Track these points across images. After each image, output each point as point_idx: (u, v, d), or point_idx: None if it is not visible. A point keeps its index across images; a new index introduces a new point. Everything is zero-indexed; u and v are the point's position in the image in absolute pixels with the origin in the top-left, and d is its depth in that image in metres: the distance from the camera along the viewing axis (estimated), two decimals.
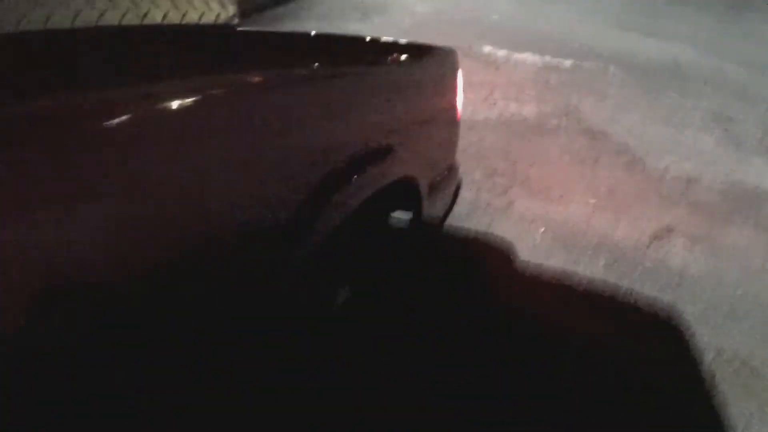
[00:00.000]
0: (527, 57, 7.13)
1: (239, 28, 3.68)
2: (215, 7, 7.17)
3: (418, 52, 2.48)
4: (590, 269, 3.67)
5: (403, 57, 2.32)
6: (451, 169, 2.93)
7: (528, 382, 2.79)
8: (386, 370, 2.66)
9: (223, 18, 7.32)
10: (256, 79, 1.43)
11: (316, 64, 1.74)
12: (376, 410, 2.45)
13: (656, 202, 4.50)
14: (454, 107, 2.74)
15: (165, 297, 1.22)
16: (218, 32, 2.59)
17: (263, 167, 1.41)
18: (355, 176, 1.79)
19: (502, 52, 7.30)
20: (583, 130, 5.32)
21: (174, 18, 6.39)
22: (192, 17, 6.74)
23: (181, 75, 1.32)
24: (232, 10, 7.51)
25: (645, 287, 3.59)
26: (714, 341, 3.29)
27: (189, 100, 1.20)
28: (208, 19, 7.04)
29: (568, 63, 6.99)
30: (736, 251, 4.12)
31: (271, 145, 1.43)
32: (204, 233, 1.28)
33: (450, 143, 2.87)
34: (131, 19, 5.83)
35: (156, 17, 6.17)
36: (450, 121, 2.75)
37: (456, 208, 3.27)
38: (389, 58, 2.25)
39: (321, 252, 1.66)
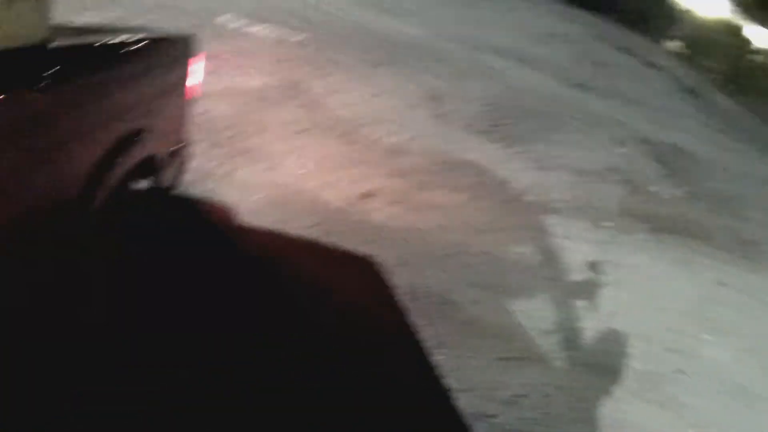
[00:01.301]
0: (262, 29, 7.34)
1: None
2: None
3: (158, 42, 2.90)
4: (301, 228, 4.03)
5: (143, 50, 2.68)
6: (183, 142, 3.38)
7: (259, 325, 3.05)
8: None
9: None
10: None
11: (66, 71, 2.04)
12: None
13: (364, 168, 5.00)
14: (190, 87, 3.24)
15: None
16: None
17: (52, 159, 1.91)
18: (119, 158, 2.32)
19: (238, 23, 7.43)
20: (302, 104, 5.67)
21: None
22: None
23: None
24: None
25: (349, 241, 4.03)
26: (409, 280, 3.83)
27: None
28: None
29: (300, 37, 7.32)
30: (431, 208, 4.77)
31: (51, 143, 1.90)
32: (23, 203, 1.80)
33: (184, 119, 3.36)
34: None
35: None
36: (184, 99, 3.25)
37: (184, 176, 3.52)
38: (129, 53, 2.57)
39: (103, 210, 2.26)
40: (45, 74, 1.90)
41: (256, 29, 7.35)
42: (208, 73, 5.71)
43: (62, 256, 2.11)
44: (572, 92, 9.48)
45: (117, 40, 2.59)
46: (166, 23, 5.96)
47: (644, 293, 4.69)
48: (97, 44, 2.51)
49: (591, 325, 4.09)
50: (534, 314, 3.98)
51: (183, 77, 3.19)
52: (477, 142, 6.19)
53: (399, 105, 6.35)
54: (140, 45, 2.69)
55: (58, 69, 1.97)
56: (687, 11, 23.49)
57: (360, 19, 8.92)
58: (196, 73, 3.29)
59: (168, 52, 3.04)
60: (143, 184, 2.89)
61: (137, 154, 2.55)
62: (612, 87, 10.91)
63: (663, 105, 11.24)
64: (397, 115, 6.14)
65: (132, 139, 2.49)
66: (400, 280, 3.82)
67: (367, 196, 4.64)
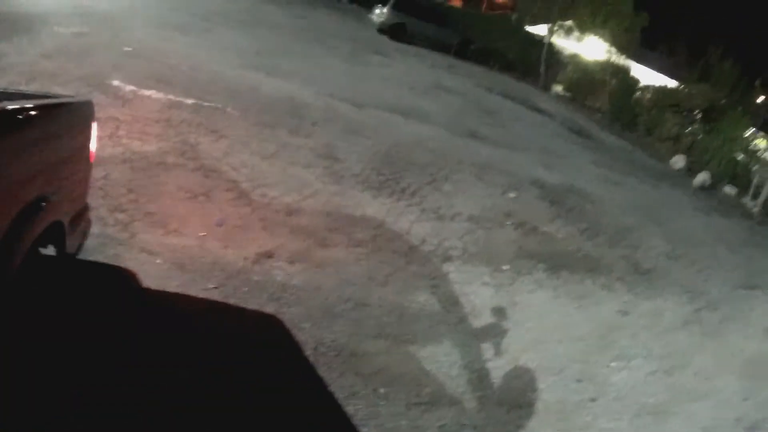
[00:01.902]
0: (153, 94, 7.31)
1: None
2: None
3: (60, 107, 2.95)
4: (203, 290, 4.02)
5: (45, 113, 2.70)
6: (85, 207, 3.38)
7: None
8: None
9: None
10: None
11: None
12: None
13: (261, 229, 5.06)
14: (89, 152, 3.27)
15: None
16: None
17: None
18: (26, 227, 2.33)
19: (129, 88, 7.37)
20: (198, 167, 5.67)
21: None
22: None
23: None
24: None
25: (252, 300, 4.07)
26: (315, 334, 3.90)
27: None
28: None
29: (190, 102, 7.34)
30: (331, 264, 4.87)
31: None
32: None
33: (85, 183, 3.35)
34: None
35: None
36: (85, 163, 3.27)
37: (86, 242, 3.49)
38: (31, 117, 2.53)
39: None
40: None
41: (148, 93, 7.33)
42: (105, 137, 5.71)
43: None
44: (462, 141, 9.91)
45: (16, 105, 2.52)
46: (56, 90, 5.89)
47: (548, 329, 4.94)
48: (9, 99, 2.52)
49: (499, 364, 4.28)
50: (441, 359, 4.12)
51: (86, 141, 3.21)
52: (371, 197, 6.38)
53: (290, 167, 6.47)
54: (41, 109, 2.68)
55: None
56: (573, 56, 24.91)
57: (249, 82, 9.05)
58: (94, 138, 3.32)
59: (71, 117, 3.07)
60: (48, 251, 2.87)
61: (44, 220, 2.53)
62: (501, 134, 11.47)
63: (552, 148, 11.92)
64: (290, 176, 6.25)
65: (38, 205, 2.47)
66: (306, 336, 3.88)
67: (268, 256, 4.70)
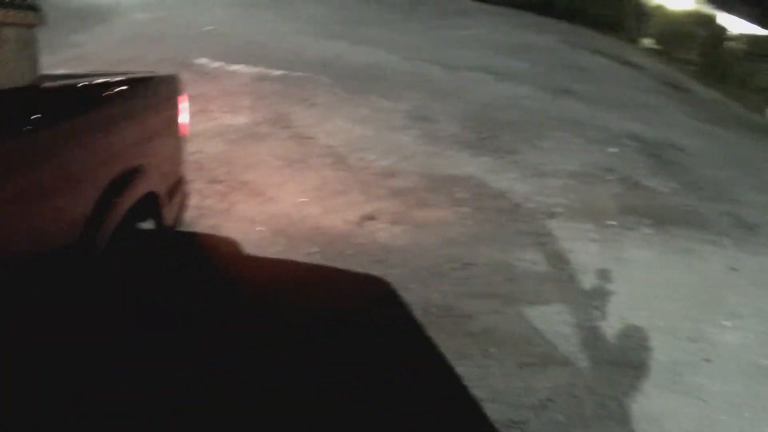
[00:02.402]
0: (240, 68, 7.37)
1: None
2: None
3: (146, 82, 3.01)
4: (307, 255, 3.99)
5: (134, 90, 2.78)
6: (180, 180, 3.41)
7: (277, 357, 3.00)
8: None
9: None
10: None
11: (54, 112, 2.06)
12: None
13: (360, 193, 4.98)
14: (180, 125, 3.31)
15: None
16: None
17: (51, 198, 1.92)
18: (117, 198, 2.32)
19: (215, 64, 7.46)
20: (292, 135, 5.67)
21: None
22: None
23: None
24: None
25: (356, 263, 4.00)
26: (423, 295, 3.79)
27: None
28: None
29: (278, 73, 7.35)
30: (434, 224, 4.75)
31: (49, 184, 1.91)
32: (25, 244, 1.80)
33: (178, 157, 3.38)
34: None
35: None
36: (178, 137, 3.31)
37: (185, 214, 3.52)
38: (123, 94, 2.64)
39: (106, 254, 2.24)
40: (33, 116, 1.88)
41: (236, 68, 7.38)
42: (197, 112, 5.77)
43: (63, 302, 2.06)
44: (555, 99, 9.53)
45: (103, 80, 2.62)
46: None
47: (657, 286, 4.66)
48: (84, 85, 2.58)
49: (610, 323, 4.05)
50: (551, 318, 3.94)
51: (174, 115, 3.26)
52: (470, 156, 6.20)
53: (384, 129, 6.37)
54: (128, 84, 2.73)
55: (46, 110, 1.97)
56: (657, 7, 23.79)
57: (334, 51, 8.99)
58: (184, 112, 3.36)
59: (156, 91, 3.11)
60: (145, 224, 2.89)
61: (136, 192, 2.55)
62: (593, 90, 10.97)
63: (646, 102, 11.32)
64: (384, 139, 6.15)
65: (129, 177, 2.50)
66: (413, 296, 3.78)
67: (368, 218, 4.62)
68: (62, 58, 6.77)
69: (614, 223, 5.53)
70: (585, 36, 18.65)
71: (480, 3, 19.16)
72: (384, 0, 15.33)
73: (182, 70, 6.69)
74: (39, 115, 1.92)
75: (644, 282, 4.67)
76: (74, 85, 2.53)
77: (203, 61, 7.44)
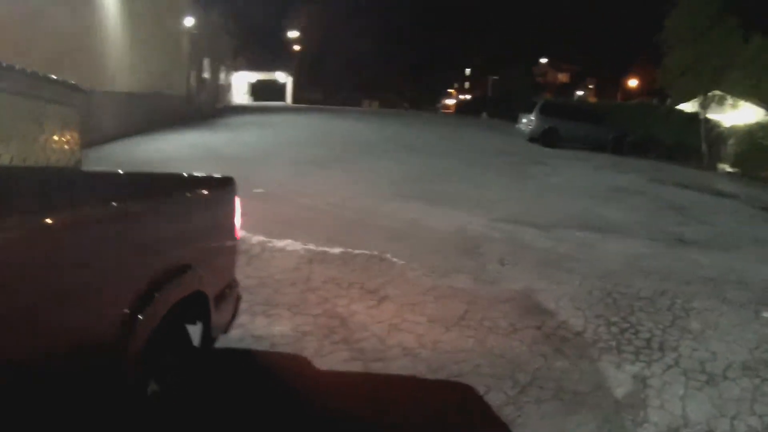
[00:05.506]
0: (287, 244, 5.64)
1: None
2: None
3: (202, 182, 3.05)
4: None
5: (191, 188, 2.87)
6: (232, 283, 3.23)
7: None
8: None
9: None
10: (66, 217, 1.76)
11: (123, 201, 2.11)
12: None
13: None
14: (233, 227, 3.20)
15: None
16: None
17: (92, 290, 1.87)
18: (164, 290, 2.21)
19: (257, 239, 5.77)
20: (354, 356, 3.67)
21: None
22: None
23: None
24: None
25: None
26: None
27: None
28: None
29: (336, 251, 5.56)
30: None
31: (96, 270, 1.86)
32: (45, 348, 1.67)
33: (231, 260, 3.26)
34: None
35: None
36: (230, 237, 3.21)
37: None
38: (180, 190, 2.72)
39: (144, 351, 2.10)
40: (76, 198, 1.95)
41: (282, 244, 5.67)
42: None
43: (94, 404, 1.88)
44: (673, 252, 7.61)
45: (159, 174, 2.95)
46: None
47: None
48: (134, 174, 2.85)
49: None
50: None
51: (229, 214, 3.13)
52: (614, 367, 3.98)
53: (490, 332, 4.31)
54: (183, 180, 2.90)
55: (90, 193, 2.06)
56: (732, 128, 22.84)
57: (407, 215, 7.45)
58: (238, 212, 3.20)
59: (209, 191, 3.03)
60: (191, 328, 2.67)
61: (185, 287, 2.42)
62: (704, 232, 9.33)
63: (761, 236, 9.66)
64: (493, 349, 4.08)
65: (177, 273, 2.37)
66: None
67: None
68: None
69: None
70: (665, 170, 17.63)
71: (556, 150, 18.64)
72: (462, 155, 14.78)
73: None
74: (84, 197, 2.00)
75: None
76: (124, 174, 2.76)
77: (242, 234, 5.74)
